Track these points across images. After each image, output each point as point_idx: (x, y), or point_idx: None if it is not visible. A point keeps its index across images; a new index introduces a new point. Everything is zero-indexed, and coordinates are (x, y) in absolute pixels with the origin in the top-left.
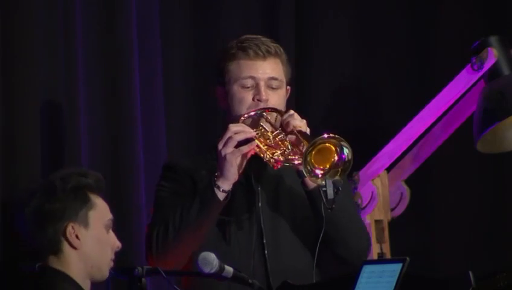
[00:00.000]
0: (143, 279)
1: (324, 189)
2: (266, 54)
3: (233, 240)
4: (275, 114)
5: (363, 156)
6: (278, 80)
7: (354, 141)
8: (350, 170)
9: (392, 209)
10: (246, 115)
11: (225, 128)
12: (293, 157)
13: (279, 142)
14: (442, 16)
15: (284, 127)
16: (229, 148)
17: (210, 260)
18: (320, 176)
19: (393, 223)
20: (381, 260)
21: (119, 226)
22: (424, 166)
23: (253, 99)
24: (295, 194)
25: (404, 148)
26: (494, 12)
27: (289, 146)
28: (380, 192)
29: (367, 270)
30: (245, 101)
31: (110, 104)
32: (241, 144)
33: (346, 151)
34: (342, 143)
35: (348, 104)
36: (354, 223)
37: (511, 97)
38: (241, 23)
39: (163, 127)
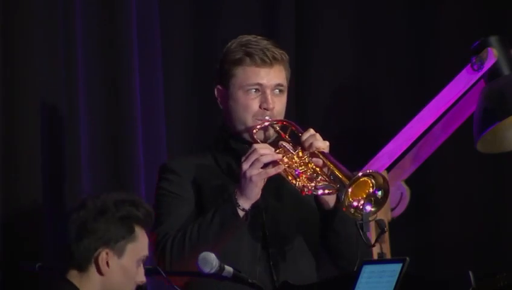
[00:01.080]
0: None
1: (361, 222)
2: (273, 61)
3: (240, 246)
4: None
5: (363, 156)
6: (282, 85)
7: (354, 141)
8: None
9: (392, 209)
10: (258, 127)
11: (224, 129)
12: (323, 184)
13: (303, 165)
14: (442, 16)
15: (306, 148)
16: (255, 170)
17: (210, 260)
18: (356, 207)
19: (394, 223)
20: (381, 260)
21: None
22: (424, 166)
23: (259, 107)
24: (299, 200)
25: (404, 148)
26: (494, 12)
27: (315, 169)
28: None
29: (367, 270)
30: (251, 108)
31: (110, 104)
32: (265, 165)
33: (380, 192)
34: (378, 181)
35: (348, 104)
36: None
37: (511, 97)
38: (241, 23)
39: (163, 127)
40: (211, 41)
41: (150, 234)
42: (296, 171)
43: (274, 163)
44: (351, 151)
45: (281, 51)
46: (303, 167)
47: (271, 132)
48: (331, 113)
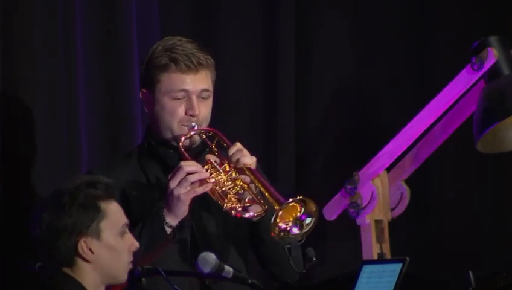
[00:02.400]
0: (143, 279)
1: (289, 246)
2: (198, 67)
3: (169, 251)
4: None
5: (363, 156)
6: (208, 90)
7: (354, 141)
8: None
9: (392, 209)
10: (183, 138)
11: (149, 133)
12: (251, 205)
13: (231, 181)
14: (442, 16)
15: (233, 162)
16: (183, 189)
17: (210, 260)
18: (284, 230)
19: (393, 223)
20: (381, 260)
21: None
22: (424, 166)
23: (185, 113)
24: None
25: (404, 148)
26: (494, 12)
27: (242, 186)
28: (380, 192)
29: (367, 270)
30: (177, 114)
31: (110, 104)
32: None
33: (308, 219)
34: (308, 207)
35: (348, 104)
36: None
37: (511, 97)
38: (241, 23)
39: None
40: (211, 42)
41: None
42: (223, 188)
43: (201, 181)
44: (351, 151)
45: (207, 56)
46: (230, 183)
47: (196, 138)
48: (331, 113)
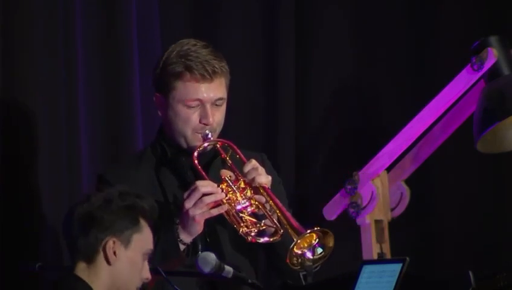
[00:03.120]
0: None
1: (304, 273)
2: (213, 75)
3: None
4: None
5: (363, 156)
6: (222, 98)
7: (354, 141)
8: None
9: (392, 209)
10: (196, 153)
11: (162, 137)
12: (267, 229)
13: (246, 200)
14: (442, 15)
15: (248, 180)
16: (198, 210)
17: (210, 260)
18: (298, 255)
19: (394, 223)
20: (381, 260)
21: None
22: (424, 166)
23: (199, 121)
24: None
25: (404, 148)
26: (494, 12)
27: (257, 205)
28: (380, 192)
29: (367, 270)
30: (190, 121)
31: (110, 104)
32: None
33: (320, 250)
34: (323, 237)
35: (348, 104)
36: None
37: (511, 97)
38: (241, 23)
39: None
40: (212, 42)
41: None
42: (238, 207)
43: (217, 203)
44: (351, 151)
45: (221, 63)
46: (245, 201)
47: (208, 146)
48: (331, 113)
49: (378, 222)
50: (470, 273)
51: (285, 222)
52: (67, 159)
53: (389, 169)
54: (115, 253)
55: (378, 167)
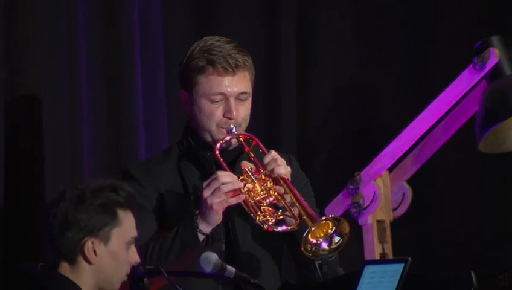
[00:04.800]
0: (145, 279)
1: (319, 262)
2: (235, 69)
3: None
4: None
5: (364, 156)
6: (246, 93)
7: (356, 142)
8: (352, 172)
9: (394, 210)
10: (219, 144)
11: (189, 131)
12: (284, 218)
13: (265, 191)
14: (444, 16)
15: (268, 172)
16: (216, 199)
17: (212, 260)
18: (313, 244)
19: (395, 223)
20: (383, 260)
21: None
22: (426, 166)
23: (223, 115)
24: None
25: (406, 148)
26: (496, 12)
27: (276, 196)
28: (382, 192)
29: (369, 270)
30: (214, 116)
31: (112, 104)
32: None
33: (337, 238)
34: (339, 226)
35: (349, 104)
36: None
37: None
38: (243, 23)
39: (165, 127)
40: None
41: None
42: (257, 198)
43: (235, 191)
44: (353, 151)
45: (244, 57)
46: (264, 192)
47: (234, 141)
48: (333, 114)
49: (380, 222)
50: (472, 273)
51: (302, 212)
52: (69, 159)
53: (391, 169)
54: (95, 252)
55: (380, 167)
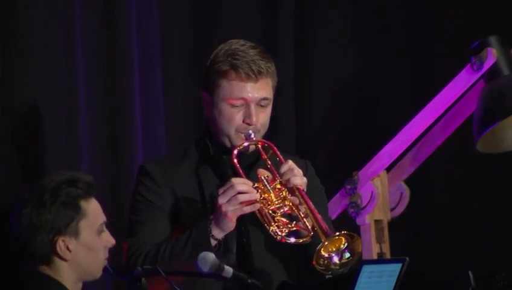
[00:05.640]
0: (143, 279)
1: (330, 276)
2: (258, 75)
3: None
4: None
5: (362, 156)
6: (267, 99)
7: (354, 141)
8: (349, 172)
9: (392, 209)
10: (236, 151)
11: (207, 133)
12: (297, 230)
13: (280, 200)
14: (442, 16)
15: (284, 181)
16: (231, 207)
17: (209, 260)
18: (324, 258)
19: (393, 223)
20: (380, 260)
21: (117, 227)
22: (424, 166)
23: (243, 121)
24: None
25: (404, 148)
26: (494, 12)
27: (291, 207)
28: (380, 192)
29: (366, 270)
30: (234, 121)
31: (109, 104)
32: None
33: (348, 254)
34: (351, 242)
35: (347, 104)
36: None
37: (510, 97)
38: (241, 23)
39: (162, 127)
40: (211, 42)
41: (123, 244)
42: (271, 207)
43: (251, 201)
44: (351, 151)
45: (268, 64)
46: (279, 202)
47: (251, 147)
48: (331, 113)
49: (377, 222)
50: (470, 273)
51: (316, 225)
52: (66, 159)
53: (388, 169)
54: (68, 249)
55: (378, 167)
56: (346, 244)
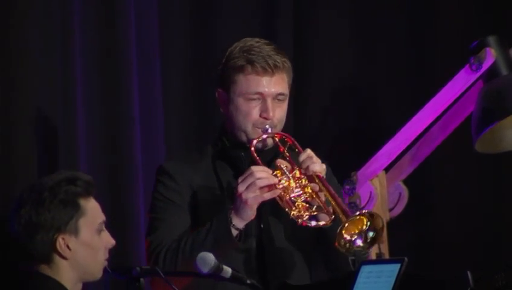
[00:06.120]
0: (141, 279)
1: (353, 258)
2: (274, 70)
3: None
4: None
5: (361, 156)
6: (284, 94)
7: (353, 141)
8: (348, 172)
9: (391, 210)
10: (255, 142)
11: (224, 132)
12: (318, 214)
13: (300, 188)
14: (441, 16)
15: (303, 169)
16: (251, 194)
17: (208, 260)
18: (347, 241)
19: (392, 223)
20: (379, 260)
21: (117, 227)
22: (423, 166)
23: (260, 115)
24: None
25: (403, 148)
26: (493, 12)
27: (311, 194)
28: (379, 192)
29: (365, 270)
30: (251, 116)
31: (108, 105)
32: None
33: (371, 233)
34: (373, 220)
35: (346, 104)
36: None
37: (509, 97)
38: (240, 23)
39: (161, 127)
40: (210, 42)
41: (144, 241)
42: (291, 194)
43: (270, 187)
44: (350, 151)
45: (283, 59)
46: (299, 189)
47: (269, 141)
48: (330, 114)
49: None
50: (468, 273)
51: (337, 209)
52: (65, 159)
53: (387, 169)
54: (68, 247)
55: (377, 167)
56: (368, 224)
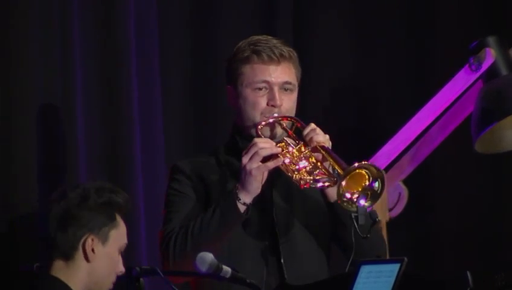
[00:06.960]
0: (141, 279)
1: (356, 215)
2: (280, 58)
3: (246, 247)
4: (291, 123)
5: (361, 156)
6: (291, 84)
7: (353, 141)
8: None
9: (390, 210)
10: (263, 123)
11: (236, 130)
12: (321, 177)
13: (304, 159)
14: (441, 16)
15: (307, 142)
16: (255, 164)
17: (207, 260)
18: (351, 200)
19: (392, 223)
20: (379, 260)
21: None
22: (422, 166)
23: (267, 104)
24: (308, 198)
25: (402, 148)
26: (493, 12)
27: (315, 163)
28: None
29: (365, 270)
30: (258, 105)
31: (107, 105)
32: (265, 158)
33: (377, 183)
34: (374, 173)
35: (346, 104)
36: (378, 248)
37: (509, 97)
38: (240, 23)
39: (160, 127)
40: (209, 42)
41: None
42: (296, 165)
43: (273, 156)
44: (350, 151)
45: (289, 49)
46: (304, 161)
47: (278, 130)
48: (330, 114)
49: None
50: (468, 273)
51: (338, 169)
52: (65, 160)
53: (387, 169)
54: (93, 250)
55: None
56: (370, 178)
